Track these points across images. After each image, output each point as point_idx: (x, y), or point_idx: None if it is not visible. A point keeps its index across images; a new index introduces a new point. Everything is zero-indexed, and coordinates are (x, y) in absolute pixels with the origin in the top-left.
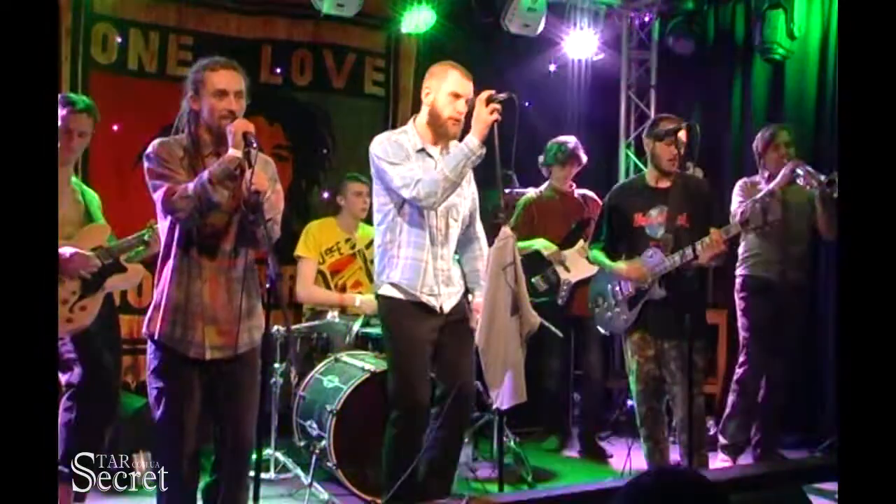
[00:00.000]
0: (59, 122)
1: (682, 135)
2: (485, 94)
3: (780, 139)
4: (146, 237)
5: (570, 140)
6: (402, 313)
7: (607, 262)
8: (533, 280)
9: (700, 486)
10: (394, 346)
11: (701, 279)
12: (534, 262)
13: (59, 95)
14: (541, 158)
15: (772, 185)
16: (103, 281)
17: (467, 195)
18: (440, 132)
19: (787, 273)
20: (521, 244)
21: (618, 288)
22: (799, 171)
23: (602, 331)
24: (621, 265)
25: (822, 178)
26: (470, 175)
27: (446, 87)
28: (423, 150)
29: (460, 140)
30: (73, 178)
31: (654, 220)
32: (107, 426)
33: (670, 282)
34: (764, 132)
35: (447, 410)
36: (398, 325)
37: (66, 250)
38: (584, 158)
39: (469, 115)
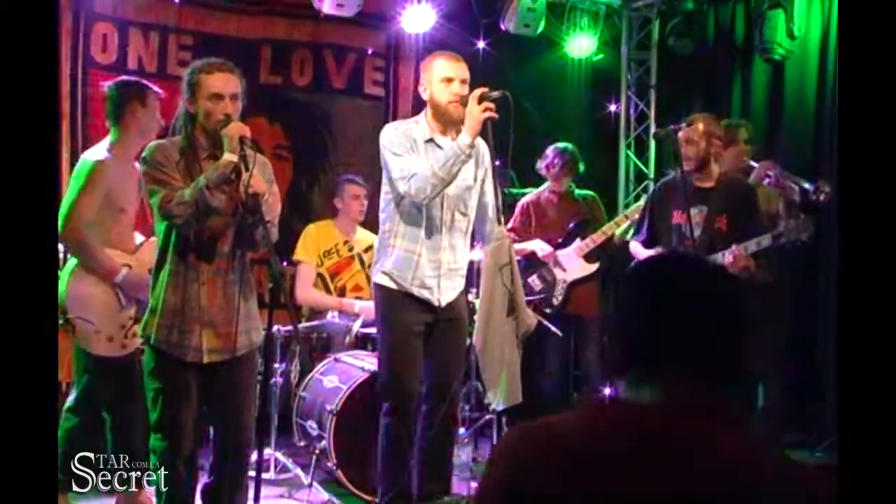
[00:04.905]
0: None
1: (680, 135)
2: (477, 92)
3: (740, 136)
4: None
5: (551, 155)
6: (394, 303)
7: (641, 250)
8: (528, 280)
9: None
10: (385, 335)
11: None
12: (530, 263)
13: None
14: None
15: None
16: None
17: (478, 187)
18: (446, 120)
19: (755, 274)
20: (517, 245)
21: None
22: (770, 173)
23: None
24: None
25: (806, 185)
26: (487, 170)
27: (436, 75)
28: (431, 140)
29: None
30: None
31: (692, 219)
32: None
33: None
34: (724, 128)
35: (435, 411)
36: (390, 314)
37: (139, 273)
38: (564, 171)
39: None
